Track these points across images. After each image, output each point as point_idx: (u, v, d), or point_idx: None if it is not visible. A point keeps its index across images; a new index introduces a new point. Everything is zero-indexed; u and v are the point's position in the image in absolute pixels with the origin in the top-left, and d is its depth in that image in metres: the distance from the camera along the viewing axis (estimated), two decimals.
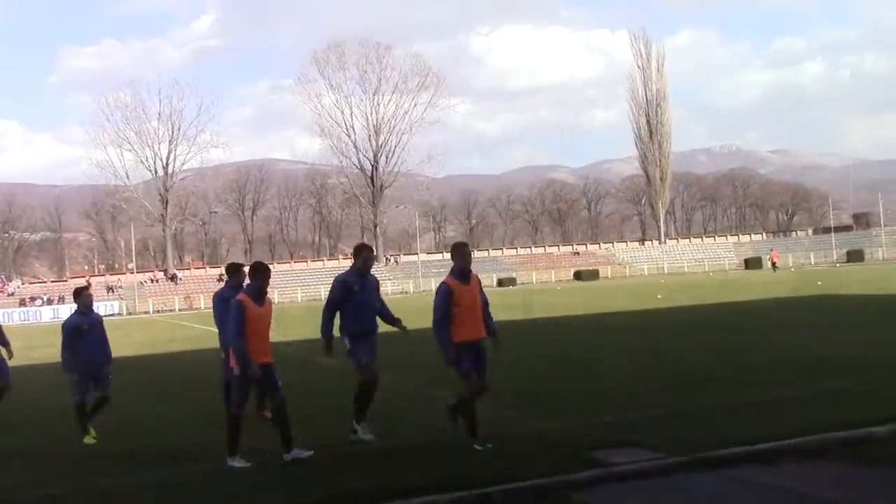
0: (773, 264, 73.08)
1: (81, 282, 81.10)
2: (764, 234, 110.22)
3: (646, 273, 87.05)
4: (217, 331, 9.79)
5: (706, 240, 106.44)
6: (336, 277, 8.80)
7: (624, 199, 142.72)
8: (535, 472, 6.92)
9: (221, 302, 9.58)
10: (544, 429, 8.71)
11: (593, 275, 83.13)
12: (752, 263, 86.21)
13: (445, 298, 7.94)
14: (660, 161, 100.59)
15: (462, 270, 8.08)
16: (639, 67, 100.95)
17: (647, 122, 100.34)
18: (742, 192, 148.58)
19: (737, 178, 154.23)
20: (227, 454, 7.90)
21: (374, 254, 10.57)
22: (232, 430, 7.92)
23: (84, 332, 9.71)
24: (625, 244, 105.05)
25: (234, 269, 9.98)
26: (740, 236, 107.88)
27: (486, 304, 8.22)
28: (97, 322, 10.00)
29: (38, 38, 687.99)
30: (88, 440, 9.74)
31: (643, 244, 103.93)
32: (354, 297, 8.53)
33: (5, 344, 10.52)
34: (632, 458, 7.08)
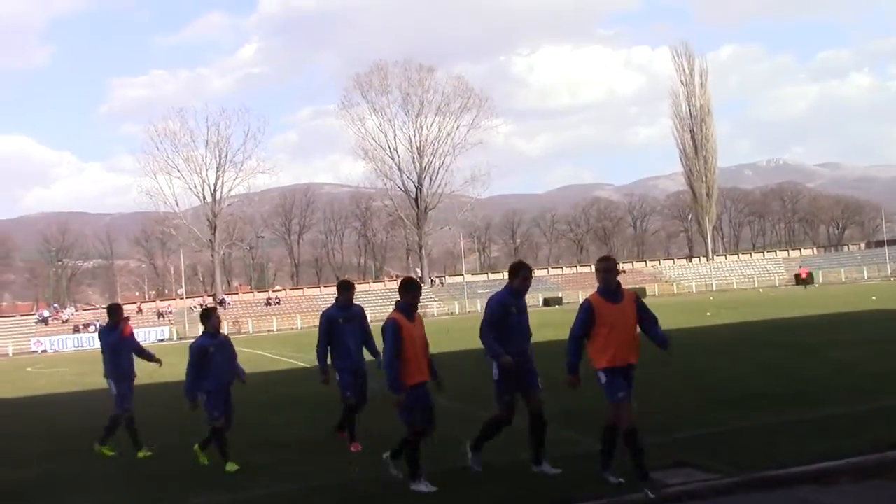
0: (803, 279, 71.65)
1: (132, 308, 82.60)
2: (815, 249, 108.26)
3: (693, 290, 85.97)
4: (317, 348, 10.16)
5: (755, 255, 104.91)
6: (493, 299, 7.98)
7: (670, 215, 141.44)
8: (588, 494, 6.87)
9: (328, 321, 10.01)
10: (593, 451, 8.62)
11: (640, 293, 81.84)
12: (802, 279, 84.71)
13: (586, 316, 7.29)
14: (706, 177, 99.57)
15: (607, 290, 7.32)
16: (682, 83, 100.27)
17: (692, 137, 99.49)
18: (791, 206, 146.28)
19: (785, 193, 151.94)
20: (409, 478, 7.51)
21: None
22: (411, 453, 7.54)
23: (211, 354, 9.50)
24: (672, 261, 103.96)
25: (343, 287, 10.42)
26: (790, 251, 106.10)
27: (654, 319, 7.51)
28: (225, 344, 9.79)
29: (89, 71, 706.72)
30: (231, 466, 9.15)
31: (690, 261, 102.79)
32: (511, 318, 7.85)
33: (151, 357, 11.40)
34: (685, 479, 6.99)
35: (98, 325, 75.46)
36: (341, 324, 10.01)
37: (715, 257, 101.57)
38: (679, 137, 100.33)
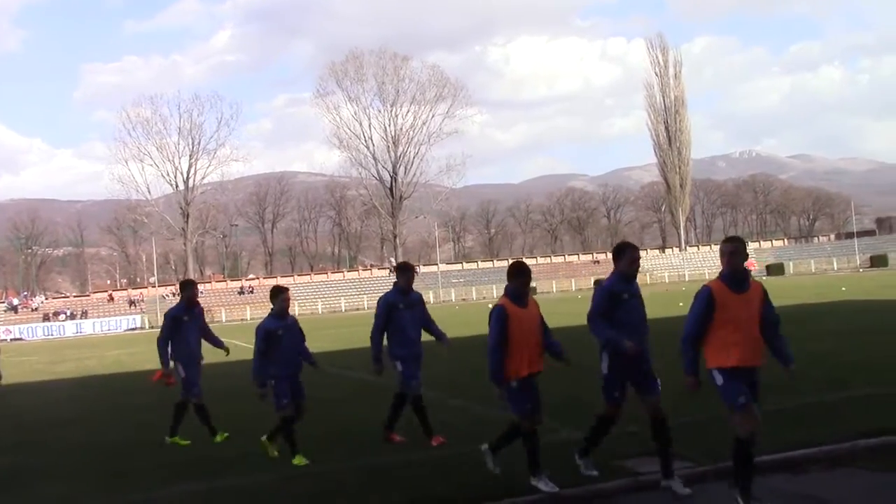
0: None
1: (103, 296, 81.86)
2: (786, 241, 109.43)
3: (666, 280, 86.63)
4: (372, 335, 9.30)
5: None
6: (603, 287, 7.27)
7: (643, 206, 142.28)
8: (560, 482, 6.89)
9: (386, 306, 9.21)
10: (567, 438, 8.65)
11: None
12: (773, 270, 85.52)
13: None
14: (679, 168, 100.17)
15: (733, 276, 6.28)
16: (656, 74, 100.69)
17: (666, 129, 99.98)
18: (763, 198, 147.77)
19: (757, 184, 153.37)
20: (529, 474, 7.02)
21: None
22: (531, 449, 7.01)
23: (279, 337, 8.74)
24: (645, 252, 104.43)
25: (403, 269, 9.67)
26: (761, 242, 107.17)
27: (776, 321, 6.48)
28: (293, 326, 9.00)
29: (61, 57, 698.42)
30: (300, 460, 8.58)
31: (663, 251, 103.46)
32: (623, 306, 7.13)
33: (219, 343, 10.63)
34: (658, 468, 7.01)
35: (68, 314, 74.74)
36: (401, 309, 9.20)
37: (688, 248, 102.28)
38: (653, 129, 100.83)
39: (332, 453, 8.95)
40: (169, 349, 10.22)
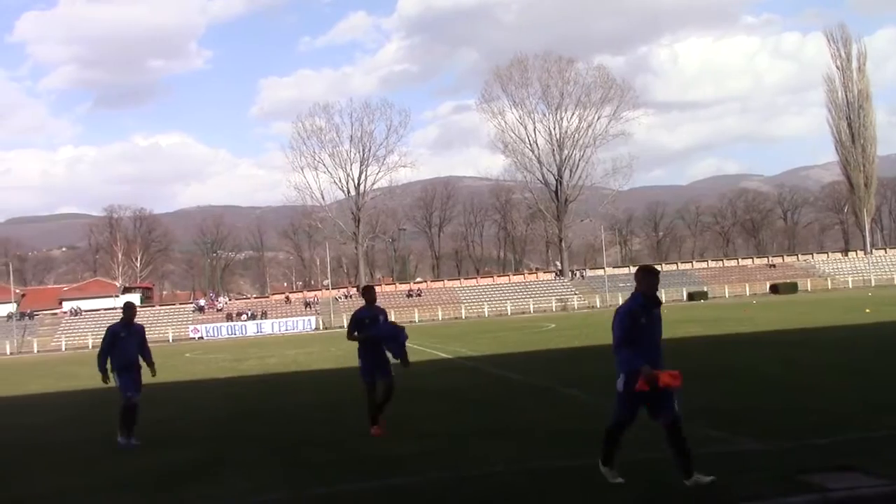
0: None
1: (281, 298, 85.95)
2: None
3: (850, 286, 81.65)
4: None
5: None
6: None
7: (824, 207, 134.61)
8: (741, 495, 6.64)
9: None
10: (747, 450, 8.32)
11: (791, 288, 78.73)
12: None
13: None
14: (864, 166, 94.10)
15: None
16: (838, 68, 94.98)
17: (849, 125, 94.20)
18: None
19: None
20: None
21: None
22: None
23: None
24: (826, 255, 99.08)
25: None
26: None
27: None
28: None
29: (242, 72, 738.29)
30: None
31: (846, 255, 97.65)
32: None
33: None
34: (851, 484, 6.62)
35: (249, 314, 78.96)
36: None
37: (873, 251, 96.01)
38: (834, 126, 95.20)
39: (500, 454, 8.98)
40: None
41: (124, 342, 11.41)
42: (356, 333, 11.08)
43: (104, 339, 11.54)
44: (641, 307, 7.03)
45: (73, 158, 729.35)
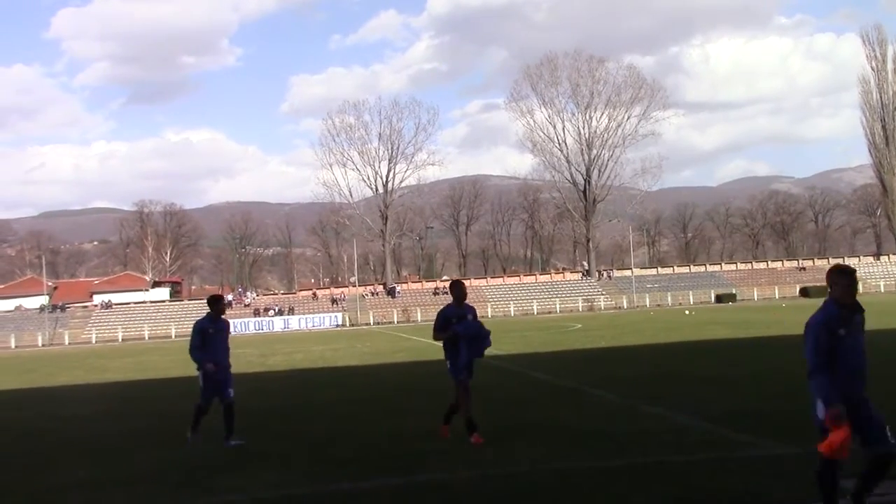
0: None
1: (308, 294, 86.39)
2: None
3: (882, 290, 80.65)
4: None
5: None
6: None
7: (856, 210, 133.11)
8: (775, 498, 6.62)
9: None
10: (782, 454, 8.26)
11: (822, 291, 77.69)
12: None
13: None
14: None
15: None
16: (873, 70, 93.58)
17: (883, 127, 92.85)
18: None
19: None
20: None
21: None
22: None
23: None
24: (857, 259, 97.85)
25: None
26: None
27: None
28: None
29: (272, 70, 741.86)
30: None
31: (878, 258, 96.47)
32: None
33: None
34: (885, 490, 6.55)
35: (276, 310, 79.47)
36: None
37: None
38: (868, 127, 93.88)
39: (526, 454, 9.00)
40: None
41: (213, 338, 10.74)
42: (440, 333, 10.03)
43: (193, 336, 10.77)
44: (838, 317, 5.55)
45: (105, 153, 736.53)
